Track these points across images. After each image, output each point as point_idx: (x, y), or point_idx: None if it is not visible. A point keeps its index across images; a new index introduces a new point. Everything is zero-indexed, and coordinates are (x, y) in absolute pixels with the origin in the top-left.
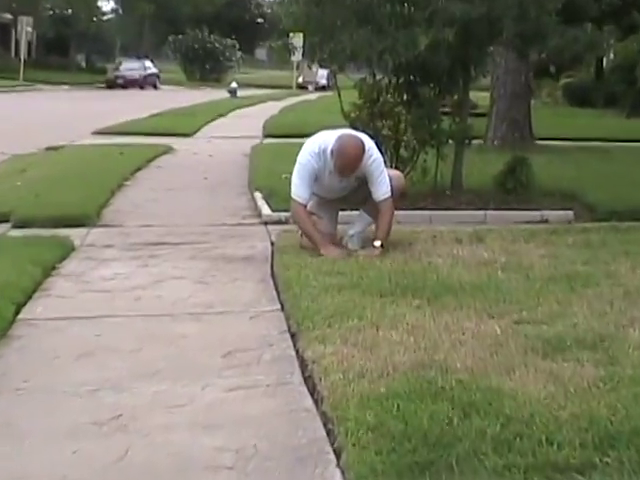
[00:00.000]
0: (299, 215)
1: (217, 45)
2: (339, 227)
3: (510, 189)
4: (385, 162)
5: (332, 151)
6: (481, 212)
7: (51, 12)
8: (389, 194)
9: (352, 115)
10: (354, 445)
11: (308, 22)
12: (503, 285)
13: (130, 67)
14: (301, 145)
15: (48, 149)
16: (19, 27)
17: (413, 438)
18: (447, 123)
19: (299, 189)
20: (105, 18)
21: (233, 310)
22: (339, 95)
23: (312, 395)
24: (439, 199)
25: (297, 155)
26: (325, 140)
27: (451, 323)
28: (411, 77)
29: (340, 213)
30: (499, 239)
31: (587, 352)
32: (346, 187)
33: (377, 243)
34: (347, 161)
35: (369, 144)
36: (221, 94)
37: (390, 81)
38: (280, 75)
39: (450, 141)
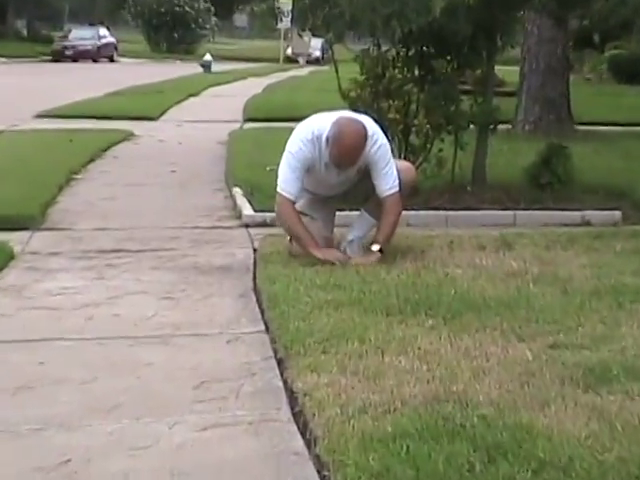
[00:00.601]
0: (286, 212)
1: (187, 9)
2: (336, 230)
3: (544, 184)
4: (392, 151)
5: (328, 138)
6: (509, 212)
7: None
8: (396, 188)
9: (352, 94)
10: None
11: None
12: (536, 301)
13: (81, 36)
14: (290, 131)
15: None
16: None
17: None
18: (467, 104)
19: (287, 182)
20: None
21: (207, 332)
22: (336, 70)
23: (303, 435)
24: (458, 196)
25: (286, 143)
26: (320, 125)
27: (472, 347)
28: (424, 48)
29: (337, 214)
30: (531, 245)
31: (638, 383)
32: (345, 182)
33: (375, 247)
34: (345, 150)
35: (373, 129)
36: (193, 68)
37: (398, 53)
38: (264, 46)
39: (471, 126)
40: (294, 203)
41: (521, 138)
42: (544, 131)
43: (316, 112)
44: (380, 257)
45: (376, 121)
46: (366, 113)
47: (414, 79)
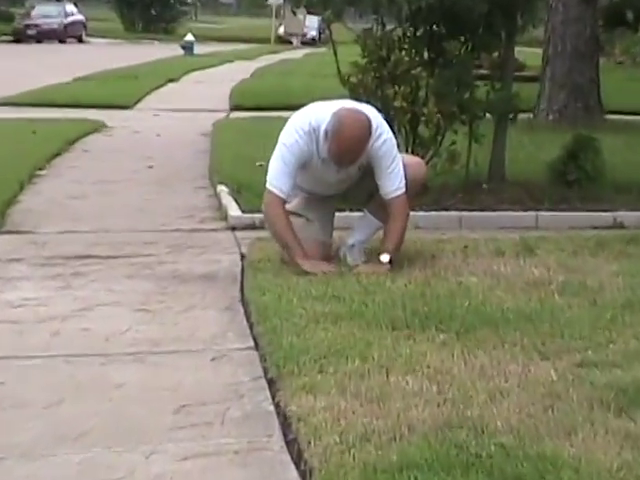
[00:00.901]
0: (274, 214)
1: None
2: (335, 234)
3: (571, 181)
4: (398, 145)
5: (326, 132)
6: (531, 213)
7: None
8: (403, 189)
9: (352, 80)
10: None
11: None
12: (561, 314)
13: (46, 13)
14: (282, 120)
15: None
16: None
17: None
18: (484, 90)
19: (279, 178)
20: None
21: (189, 349)
22: (334, 52)
23: (297, 466)
24: (473, 195)
25: (278, 134)
26: (318, 115)
27: (489, 366)
28: (434, 27)
29: (337, 214)
30: (555, 250)
31: None
32: (345, 180)
33: (384, 257)
34: (346, 146)
35: (377, 120)
36: (172, 50)
37: (405, 33)
38: (253, 25)
39: (488, 115)
40: (285, 202)
41: (544, 129)
42: (570, 121)
43: (312, 100)
44: (390, 268)
45: (380, 110)
46: (368, 102)
47: (423, 62)
